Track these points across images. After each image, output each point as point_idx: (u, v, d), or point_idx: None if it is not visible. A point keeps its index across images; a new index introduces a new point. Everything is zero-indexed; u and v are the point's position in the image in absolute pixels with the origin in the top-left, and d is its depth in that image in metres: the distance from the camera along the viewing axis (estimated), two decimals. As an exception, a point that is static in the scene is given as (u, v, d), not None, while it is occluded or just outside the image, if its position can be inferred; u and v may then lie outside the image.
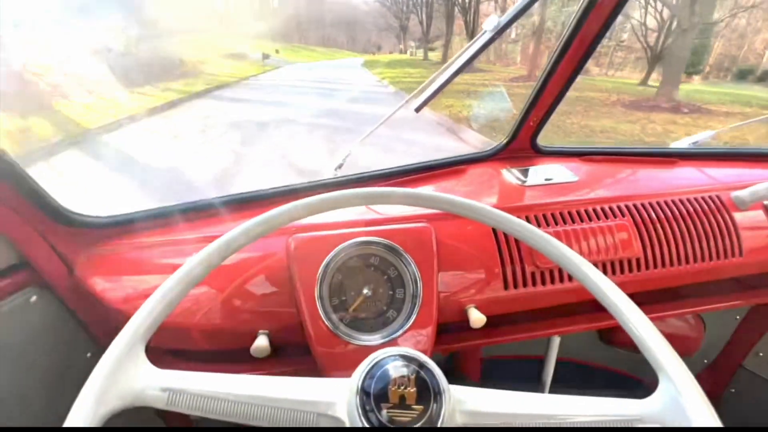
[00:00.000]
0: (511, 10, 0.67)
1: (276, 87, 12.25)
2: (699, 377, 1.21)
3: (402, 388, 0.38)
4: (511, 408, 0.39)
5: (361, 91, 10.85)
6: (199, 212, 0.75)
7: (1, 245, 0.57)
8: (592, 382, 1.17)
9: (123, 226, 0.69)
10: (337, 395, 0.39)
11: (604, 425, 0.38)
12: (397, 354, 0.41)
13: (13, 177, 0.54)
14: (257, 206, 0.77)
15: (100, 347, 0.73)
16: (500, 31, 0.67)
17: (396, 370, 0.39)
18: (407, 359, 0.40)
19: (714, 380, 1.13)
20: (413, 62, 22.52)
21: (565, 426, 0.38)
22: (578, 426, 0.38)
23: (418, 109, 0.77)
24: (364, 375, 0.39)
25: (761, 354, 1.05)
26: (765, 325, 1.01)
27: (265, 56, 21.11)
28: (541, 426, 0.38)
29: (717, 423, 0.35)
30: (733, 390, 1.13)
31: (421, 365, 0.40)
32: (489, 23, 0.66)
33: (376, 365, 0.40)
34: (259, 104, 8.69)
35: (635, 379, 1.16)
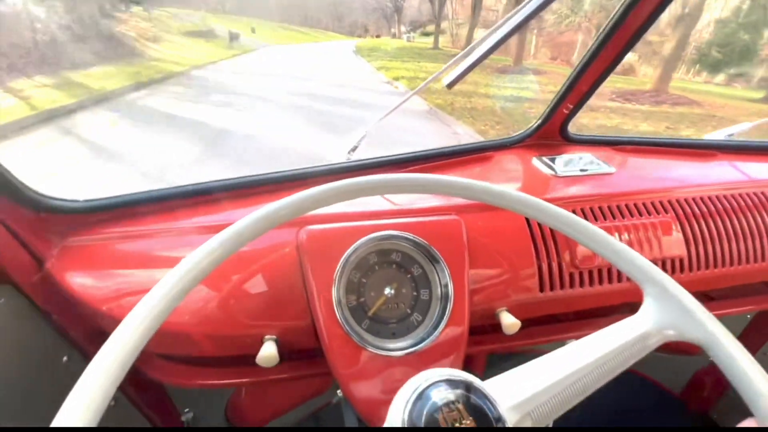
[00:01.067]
0: None
1: (241, 81, 8.51)
2: (701, 374, 1.19)
3: (456, 423, 0.31)
4: (549, 380, 0.36)
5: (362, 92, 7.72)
6: (194, 197, 0.65)
7: None
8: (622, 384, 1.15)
9: (103, 212, 0.59)
10: None
11: (628, 351, 0.37)
12: (438, 380, 0.34)
13: None
14: (263, 192, 0.68)
15: (77, 350, 0.64)
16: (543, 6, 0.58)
17: (442, 400, 0.32)
18: (452, 383, 0.34)
19: (716, 378, 1.11)
20: (423, 52, 17.07)
21: (598, 366, 0.37)
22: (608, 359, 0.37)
23: (450, 85, 0.68)
24: (404, 414, 0.32)
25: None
26: None
27: (234, 36, 17.02)
28: (579, 379, 0.36)
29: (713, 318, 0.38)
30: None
31: (469, 388, 0.34)
32: None
33: (416, 397, 0.33)
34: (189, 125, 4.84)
35: (649, 379, 1.13)
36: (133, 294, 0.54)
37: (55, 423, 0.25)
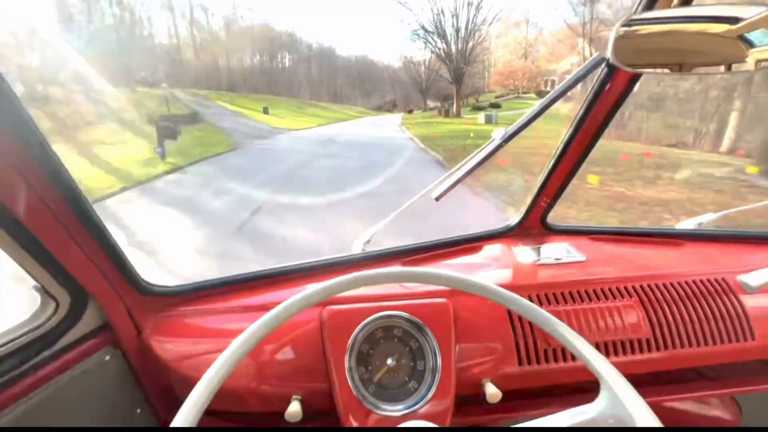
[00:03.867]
0: (518, 123, 0.81)
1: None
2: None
3: None
4: None
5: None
6: (251, 282, 0.86)
7: (93, 307, 0.69)
8: None
9: (186, 294, 0.81)
10: None
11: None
12: (417, 428, 0.47)
13: (107, 245, 0.65)
14: (299, 278, 0.88)
15: (149, 404, 0.80)
16: (507, 140, 0.81)
17: None
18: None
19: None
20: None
21: None
22: None
23: (438, 198, 0.90)
24: None
25: None
26: None
27: (166, 133, 8.76)
28: None
29: (655, 421, 0.46)
30: None
31: None
32: (497, 133, 0.80)
33: None
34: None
35: None
36: (201, 356, 0.72)
37: None
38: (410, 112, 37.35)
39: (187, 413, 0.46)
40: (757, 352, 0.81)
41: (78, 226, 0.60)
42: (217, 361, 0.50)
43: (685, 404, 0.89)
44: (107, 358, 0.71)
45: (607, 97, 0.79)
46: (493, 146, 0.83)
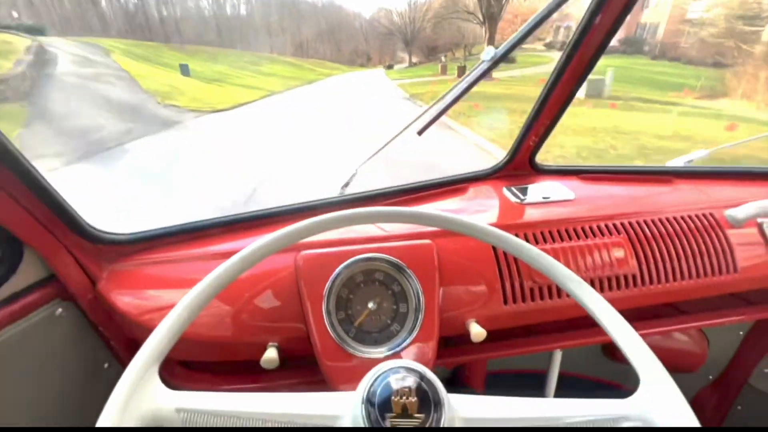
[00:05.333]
0: (507, 42, 0.72)
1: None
2: (704, 393, 1.21)
3: (404, 398, 0.41)
4: (507, 413, 0.42)
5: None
6: (214, 229, 0.79)
7: (33, 260, 0.62)
8: (593, 394, 1.17)
9: (143, 242, 0.74)
10: (343, 408, 0.41)
11: (594, 425, 0.41)
12: (399, 366, 0.44)
13: (42, 192, 0.58)
14: (269, 223, 0.82)
15: (116, 358, 0.76)
16: (497, 62, 0.72)
17: (398, 381, 0.42)
18: (409, 371, 0.43)
19: (719, 397, 1.13)
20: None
21: (558, 426, 0.41)
22: (570, 426, 0.41)
23: (420, 132, 0.82)
24: (368, 387, 0.42)
25: (767, 371, 1.06)
26: None
27: None
28: (537, 426, 0.41)
29: (694, 420, 0.38)
30: (739, 407, 1.12)
31: (422, 376, 0.43)
32: (486, 53, 0.71)
33: (380, 377, 0.43)
34: None
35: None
36: (164, 309, 0.67)
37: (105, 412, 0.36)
38: (390, 67, 32.03)
39: (140, 364, 0.41)
40: (739, 284, 0.81)
41: (1, 169, 0.52)
42: (176, 307, 0.45)
43: (655, 339, 0.92)
44: (59, 311, 0.65)
45: (602, 21, 0.72)
46: (480, 70, 0.74)
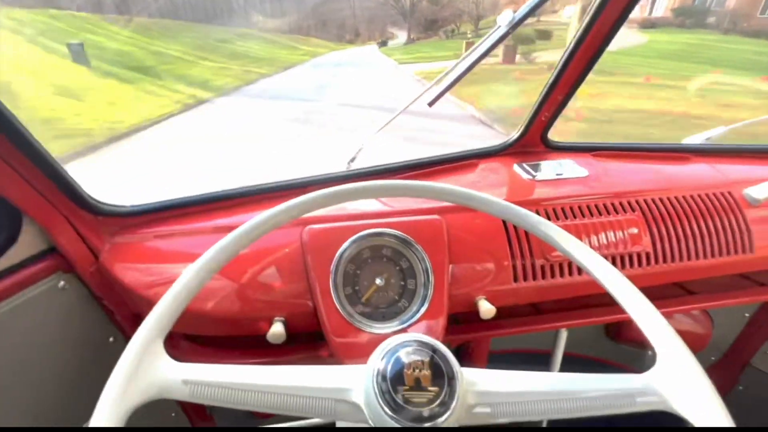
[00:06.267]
0: (526, 5, 0.67)
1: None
2: (706, 374, 1.22)
3: (417, 371, 0.40)
4: (520, 386, 0.41)
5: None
6: (219, 202, 0.77)
7: (33, 231, 0.60)
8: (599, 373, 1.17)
9: (146, 215, 0.72)
10: (353, 381, 0.40)
11: (610, 400, 0.39)
12: (411, 340, 0.43)
13: (41, 162, 0.56)
14: (273, 197, 0.79)
15: (122, 332, 0.76)
16: (515, 26, 0.68)
17: (410, 355, 0.41)
18: (421, 344, 0.42)
19: (721, 378, 1.14)
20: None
21: (572, 399, 0.40)
22: (585, 398, 0.39)
23: (431, 104, 0.78)
24: (380, 360, 0.41)
25: None
26: None
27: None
28: (549, 399, 0.40)
29: (716, 398, 0.37)
30: (741, 387, 1.13)
31: (435, 350, 0.42)
32: (503, 18, 0.67)
33: (391, 350, 0.41)
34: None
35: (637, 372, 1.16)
36: (168, 283, 0.66)
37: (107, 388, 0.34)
38: (384, 43, 27.57)
39: (143, 337, 0.39)
40: (754, 264, 0.80)
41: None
42: (177, 281, 0.43)
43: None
44: (61, 284, 0.64)
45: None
46: (496, 36, 0.70)
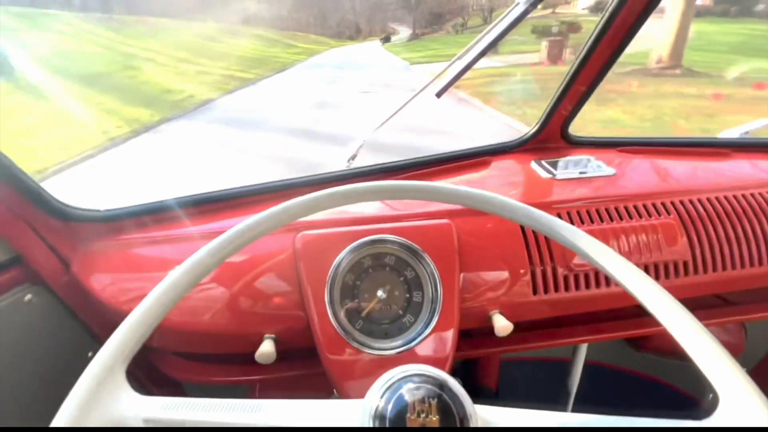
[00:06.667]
0: None
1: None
2: None
3: (422, 416, 0.33)
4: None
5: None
6: (201, 206, 0.70)
7: None
8: (625, 390, 1.10)
9: (123, 220, 0.65)
10: (346, 420, 0.34)
11: None
12: (413, 374, 0.36)
13: (2, 170, 0.50)
14: (267, 199, 0.72)
15: (101, 346, 0.70)
16: (535, 3, 0.59)
17: (414, 392, 0.34)
18: (427, 379, 0.35)
19: None
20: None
21: None
22: None
23: (439, 94, 0.70)
24: (379, 397, 0.34)
25: None
26: None
27: None
28: None
29: None
30: None
31: (442, 386, 0.35)
32: None
33: (392, 386, 0.35)
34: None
35: (674, 389, 1.08)
36: (143, 296, 0.59)
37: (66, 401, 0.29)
38: (387, 39, 25.18)
39: (101, 365, 0.35)
40: None
41: None
42: (145, 300, 0.37)
43: None
44: (28, 297, 0.57)
45: None
46: (514, 15, 0.61)
